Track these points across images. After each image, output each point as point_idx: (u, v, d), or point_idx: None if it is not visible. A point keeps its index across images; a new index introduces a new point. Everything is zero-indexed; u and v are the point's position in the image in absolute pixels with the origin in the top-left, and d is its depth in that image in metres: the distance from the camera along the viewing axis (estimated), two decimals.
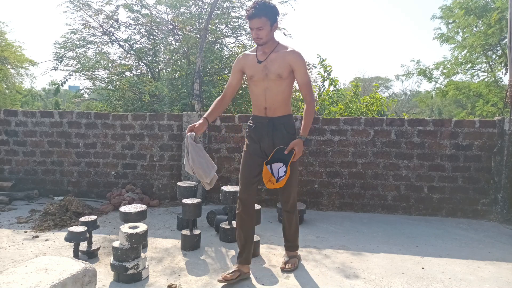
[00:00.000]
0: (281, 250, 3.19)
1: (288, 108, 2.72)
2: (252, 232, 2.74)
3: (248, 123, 2.78)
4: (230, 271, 2.60)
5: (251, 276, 2.69)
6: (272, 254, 3.11)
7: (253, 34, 2.55)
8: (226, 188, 3.42)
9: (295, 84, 2.73)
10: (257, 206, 3.10)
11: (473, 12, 10.27)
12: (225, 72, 7.81)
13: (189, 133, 2.57)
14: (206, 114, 2.71)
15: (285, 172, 2.52)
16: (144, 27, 7.49)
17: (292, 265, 2.82)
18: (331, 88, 7.63)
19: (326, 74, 7.61)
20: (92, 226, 2.99)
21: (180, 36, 7.42)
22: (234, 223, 3.43)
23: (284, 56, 2.59)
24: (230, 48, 7.90)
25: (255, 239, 3.08)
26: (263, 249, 3.19)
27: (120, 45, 7.60)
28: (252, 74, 2.65)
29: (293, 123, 2.74)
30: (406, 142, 4.43)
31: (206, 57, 6.75)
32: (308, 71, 2.64)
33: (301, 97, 8.08)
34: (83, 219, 3.01)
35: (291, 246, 2.92)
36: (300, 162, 4.54)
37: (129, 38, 7.50)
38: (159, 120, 4.76)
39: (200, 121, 2.62)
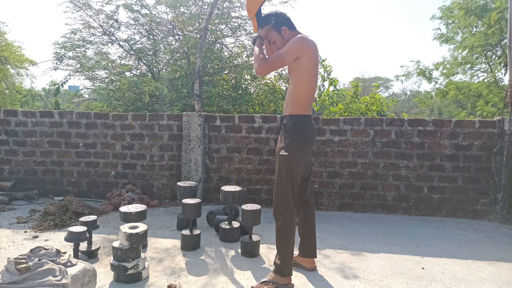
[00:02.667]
0: None
1: (294, 108, 2.52)
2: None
3: None
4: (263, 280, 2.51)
5: (251, 275, 2.69)
6: (272, 254, 3.10)
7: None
8: (226, 188, 3.42)
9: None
10: (257, 206, 3.11)
11: (473, 13, 10.27)
12: (225, 72, 7.81)
13: None
14: None
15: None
16: (144, 27, 7.49)
17: None
18: (331, 88, 7.64)
19: (326, 74, 7.62)
20: (92, 226, 2.99)
21: (180, 36, 7.42)
22: (233, 223, 3.44)
23: None
24: (230, 48, 7.90)
25: (254, 239, 3.09)
26: (263, 249, 3.19)
27: (120, 45, 7.60)
28: None
29: (295, 124, 2.50)
30: (406, 142, 4.43)
31: (206, 57, 6.75)
32: (289, 51, 2.44)
33: None
34: (83, 219, 3.01)
35: (274, 263, 2.54)
36: None
37: (129, 38, 7.50)
38: (159, 120, 4.76)
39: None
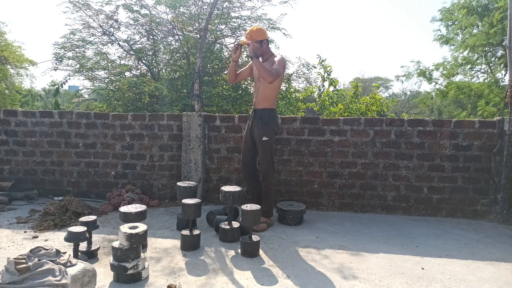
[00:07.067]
0: (281, 250, 3.19)
1: (267, 103, 3.70)
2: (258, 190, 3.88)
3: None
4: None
5: (251, 275, 2.69)
6: (272, 254, 3.11)
7: None
8: (226, 188, 3.41)
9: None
10: (256, 206, 3.11)
11: (475, 12, 10.26)
12: (225, 72, 7.81)
13: None
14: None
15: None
16: (144, 27, 7.49)
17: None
18: (331, 88, 7.64)
19: (326, 74, 7.62)
20: (91, 226, 2.99)
21: (180, 36, 7.42)
22: (233, 223, 3.44)
23: None
24: (230, 48, 7.90)
25: (254, 239, 3.09)
26: (263, 249, 3.19)
27: (120, 45, 7.61)
28: None
29: (269, 115, 3.67)
30: (406, 142, 4.43)
31: (206, 57, 6.75)
32: (283, 66, 3.66)
33: (301, 97, 8.09)
34: (82, 219, 3.01)
35: (262, 211, 3.54)
36: (299, 162, 4.55)
37: (129, 38, 7.50)
38: (159, 120, 4.76)
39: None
